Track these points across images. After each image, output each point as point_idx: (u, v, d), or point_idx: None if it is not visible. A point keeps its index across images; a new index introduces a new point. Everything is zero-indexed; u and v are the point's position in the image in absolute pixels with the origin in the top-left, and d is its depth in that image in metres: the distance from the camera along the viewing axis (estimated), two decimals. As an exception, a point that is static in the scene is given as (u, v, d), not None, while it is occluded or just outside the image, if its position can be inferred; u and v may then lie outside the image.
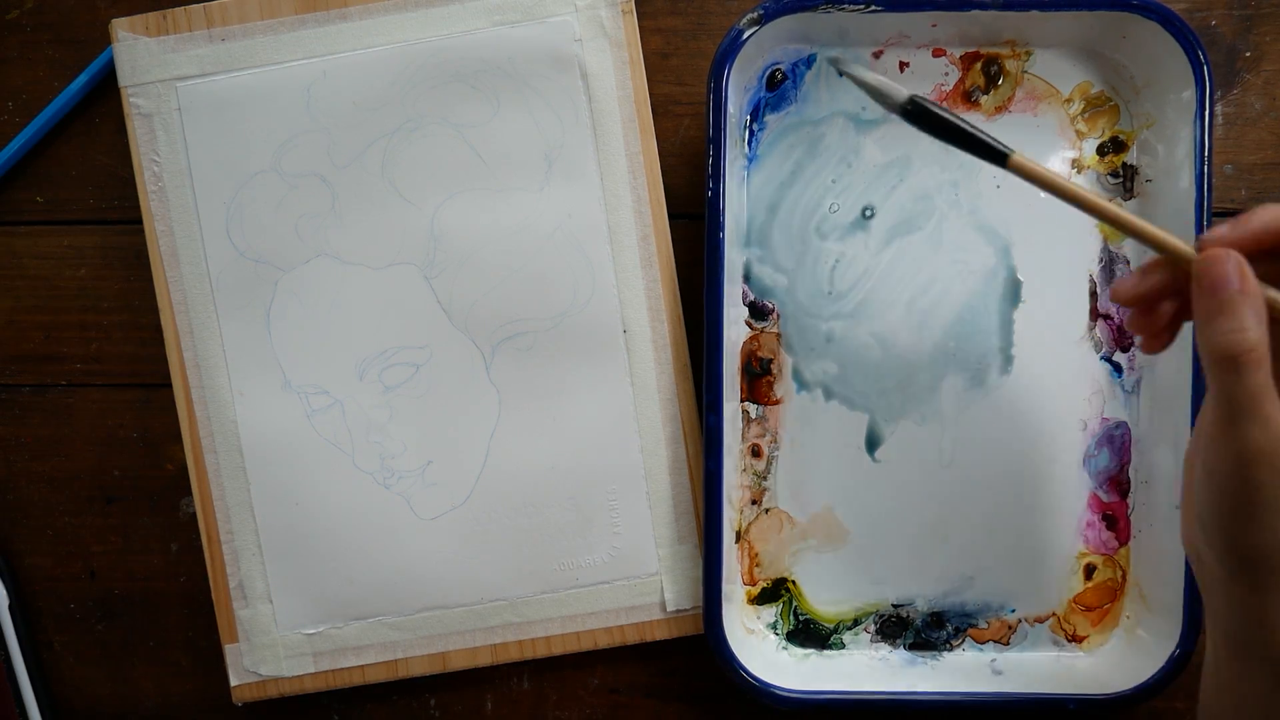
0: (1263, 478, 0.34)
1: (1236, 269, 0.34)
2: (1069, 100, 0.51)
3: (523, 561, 0.52)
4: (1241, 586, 0.37)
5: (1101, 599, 0.52)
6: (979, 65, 0.51)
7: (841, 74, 0.44)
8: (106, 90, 0.54)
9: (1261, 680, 0.37)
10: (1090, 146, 0.51)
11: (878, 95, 0.42)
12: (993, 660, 0.52)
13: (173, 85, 0.51)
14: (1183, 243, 0.37)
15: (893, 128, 0.51)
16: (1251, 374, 0.33)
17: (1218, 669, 0.39)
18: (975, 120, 0.51)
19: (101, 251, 0.54)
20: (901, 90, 0.41)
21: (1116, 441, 0.51)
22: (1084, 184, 0.51)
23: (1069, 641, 0.52)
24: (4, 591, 0.54)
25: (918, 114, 0.40)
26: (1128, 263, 0.51)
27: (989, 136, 0.40)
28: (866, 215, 0.51)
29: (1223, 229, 0.36)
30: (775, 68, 0.51)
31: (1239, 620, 0.37)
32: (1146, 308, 0.40)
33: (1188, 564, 0.48)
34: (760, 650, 0.51)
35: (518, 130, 0.51)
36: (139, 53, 0.51)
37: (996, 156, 0.39)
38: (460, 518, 0.52)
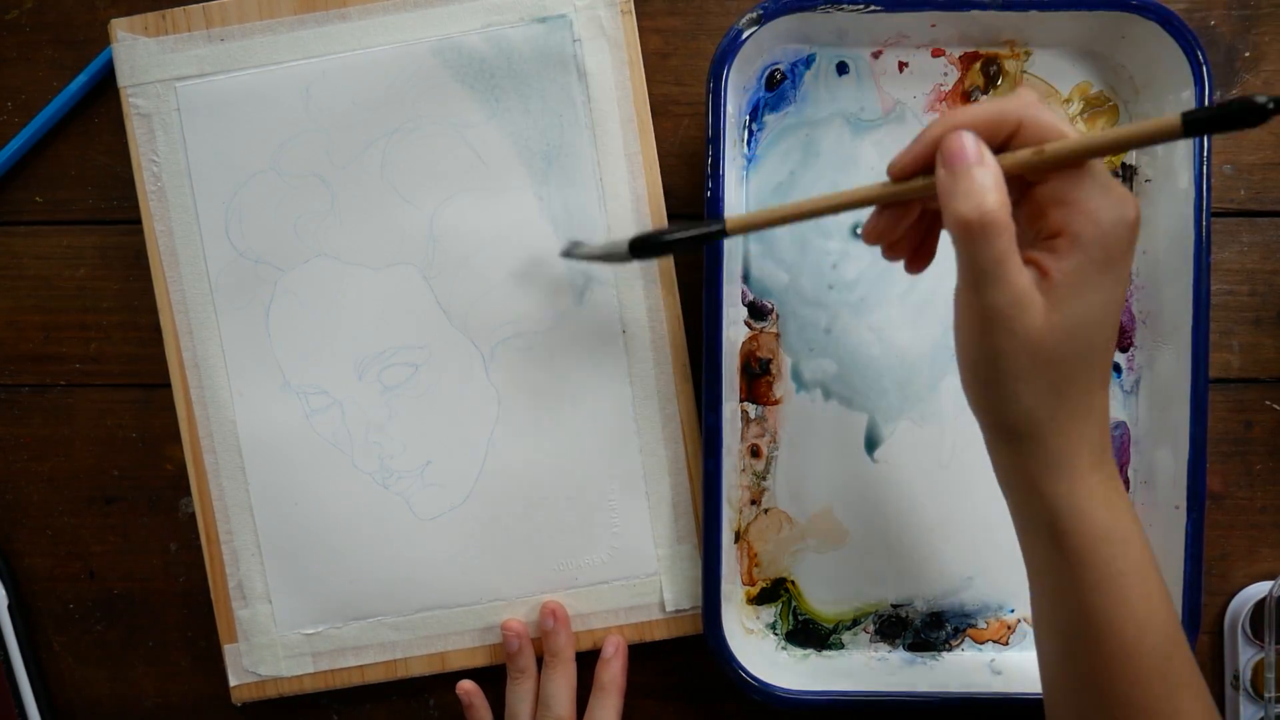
0: (1002, 345, 0.35)
1: (974, 142, 0.35)
2: (1068, 100, 0.51)
3: (522, 561, 0.52)
4: (1005, 453, 0.38)
5: (1101, 599, 0.52)
6: (978, 65, 0.51)
7: (572, 257, 0.49)
8: (106, 90, 0.54)
9: (1042, 547, 0.38)
10: (1089, 146, 0.51)
11: (609, 259, 0.46)
12: (991, 660, 0.52)
13: (172, 85, 0.51)
14: (893, 184, 0.38)
15: (891, 130, 0.51)
16: (995, 238, 0.34)
17: (1017, 533, 0.40)
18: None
19: (101, 251, 0.54)
20: (621, 243, 0.44)
21: (1115, 442, 0.51)
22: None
23: (1068, 641, 0.52)
24: (4, 592, 0.54)
25: (642, 248, 0.43)
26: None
27: (698, 227, 0.42)
28: (858, 233, 0.51)
29: (905, 151, 0.37)
30: (774, 68, 0.51)
31: (1013, 486, 0.38)
32: (894, 241, 0.41)
33: (1187, 564, 0.48)
34: (760, 650, 0.51)
35: (517, 130, 0.51)
36: (138, 53, 0.51)
37: (718, 234, 0.41)
38: (459, 518, 0.52)
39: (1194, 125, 0.33)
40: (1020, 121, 0.35)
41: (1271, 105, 0.31)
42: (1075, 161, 0.35)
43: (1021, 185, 0.36)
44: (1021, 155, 0.35)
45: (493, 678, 0.53)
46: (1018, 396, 0.36)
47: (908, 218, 0.40)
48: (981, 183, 0.34)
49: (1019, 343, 0.35)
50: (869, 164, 0.51)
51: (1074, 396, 0.36)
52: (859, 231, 0.51)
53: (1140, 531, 0.38)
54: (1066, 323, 0.35)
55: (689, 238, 0.42)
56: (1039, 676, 0.41)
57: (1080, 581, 0.37)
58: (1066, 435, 0.36)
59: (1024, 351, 0.35)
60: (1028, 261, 0.35)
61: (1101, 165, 0.36)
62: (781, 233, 0.51)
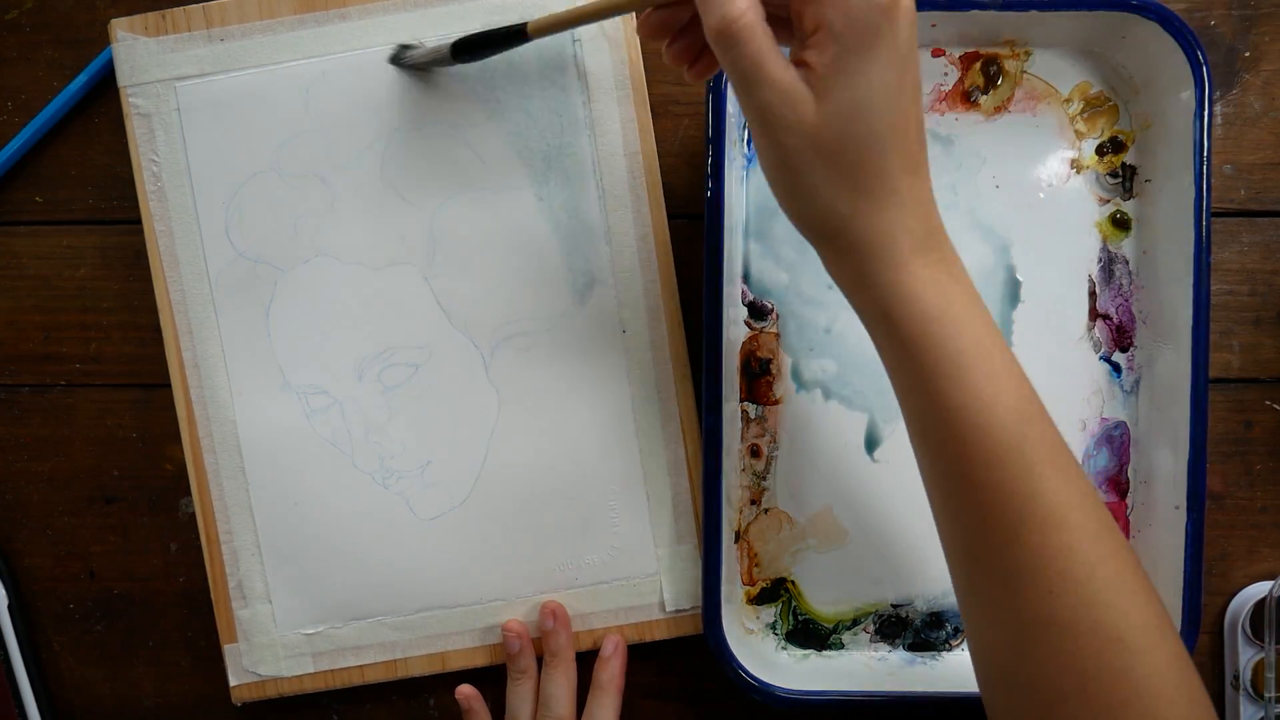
0: (784, 140, 0.35)
1: None
2: (1068, 100, 0.51)
3: (522, 561, 0.52)
4: (829, 257, 0.38)
5: (1101, 599, 0.52)
6: (978, 65, 0.51)
7: (402, 67, 0.51)
8: (106, 90, 0.54)
9: (883, 341, 0.38)
10: (1089, 147, 0.51)
11: (438, 62, 0.49)
12: (992, 660, 0.52)
13: (172, 85, 0.51)
14: None
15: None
16: (747, 42, 0.34)
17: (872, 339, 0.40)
18: (974, 120, 0.51)
19: (101, 251, 0.54)
20: (444, 45, 0.48)
21: (1115, 442, 0.51)
22: (1083, 184, 0.51)
23: (1068, 641, 0.52)
24: (4, 592, 0.54)
25: (464, 49, 0.47)
26: (1127, 262, 0.51)
27: (504, 28, 0.46)
28: None
29: None
30: (774, 68, 0.51)
31: (846, 286, 0.39)
32: (671, 43, 0.41)
33: (1187, 564, 0.48)
34: (759, 650, 0.51)
35: (517, 130, 0.51)
36: (138, 53, 0.51)
37: (521, 37, 0.45)
38: (459, 518, 0.52)
39: None
40: None
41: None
42: None
43: None
44: None
45: (492, 678, 0.53)
46: (815, 192, 0.36)
47: (679, 19, 0.40)
48: None
49: (798, 136, 0.35)
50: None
51: (871, 185, 0.36)
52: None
53: (981, 313, 0.37)
54: (839, 109, 0.35)
55: (496, 36, 0.46)
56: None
57: (921, 368, 0.37)
58: (875, 225, 0.36)
59: (806, 145, 0.35)
60: (798, 64, 0.35)
61: None
62: (782, 232, 0.51)
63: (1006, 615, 0.37)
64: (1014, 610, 0.36)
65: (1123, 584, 0.36)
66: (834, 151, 0.35)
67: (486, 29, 0.47)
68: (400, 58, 0.50)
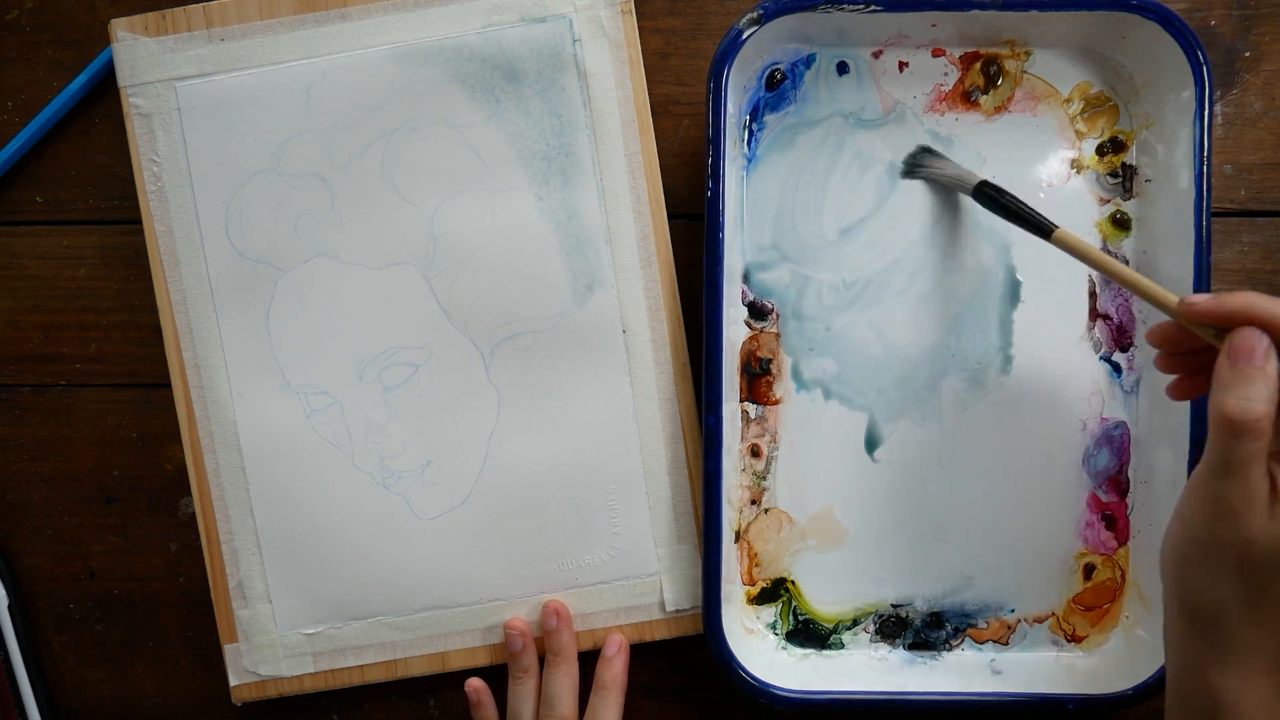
0: (1219, 533, 0.37)
1: (1265, 348, 0.37)
2: (1068, 100, 0.51)
3: (522, 561, 0.52)
4: (1183, 632, 0.39)
5: (1100, 599, 0.52)
6: (978, 65, 0.51)
7: (919, 175, 0.51)
8: (106, 90, 0.54)
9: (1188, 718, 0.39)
10: (1089, 146, 0.51)
11: (953, 187, 0.50)
12: (992, 660, 0.52)
13: (172, 85, 0.51)
14: (1171, 296, 0.40)
15: (891, 130, 0.51)
16: (1250, 442, 0.36)
17: (1167, 703, 0.41)
18: (974, 120, 0.51)
19: (101, 251, 0.55)
20: (972, 178, 0.48)
21: (1116, 441, 0.51)
22: (1083, 184, 0.51)
23: (1068, 641, 0.52)
24: (4, 591, 0.54)
25: (986, 199, 0.47)
26: (1127, 262, 0.51)
27: (1037, 218, 0.46)
28: (848, 233, 0.51)
29: (1204, 297, 0.39)
30: (775, 68, 0.51)
31: (1182, 664, 0.40)
32: (1171, 353, 0.43)
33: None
34: (759, 650, 0.51)
35: (517, 130, 0.51)
36: (138, 53, 0.51)
37: (1043, 234, 0.45)
38: (460, 518, 0.52)
39: None
40: None
41: None
42: None
43: None
44: None
45: (492, 678, 0.53)
46: (1215, 580, 0.37)
47: (1194, 343, 0.41)
48: (1256, 390, 0.36)
49: (1233, 534, 0.36)
50: (871, 162, 0.51)
51: (1267, 605, 0.37)
52: (852, 232, 0.51)
53: None
54: None
55: (1024, 217, 0.46)
56: None
57: None
58: (1249, 637, 0.38)
59: (1234, 543, 0.36)
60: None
61: None
62: (781, 234, 0.51)
63: None
64: None
65: None
66: (1256, 565, 0.36)
67: (1021, 204, 0.46)
68: (918, 161, 0.50)
